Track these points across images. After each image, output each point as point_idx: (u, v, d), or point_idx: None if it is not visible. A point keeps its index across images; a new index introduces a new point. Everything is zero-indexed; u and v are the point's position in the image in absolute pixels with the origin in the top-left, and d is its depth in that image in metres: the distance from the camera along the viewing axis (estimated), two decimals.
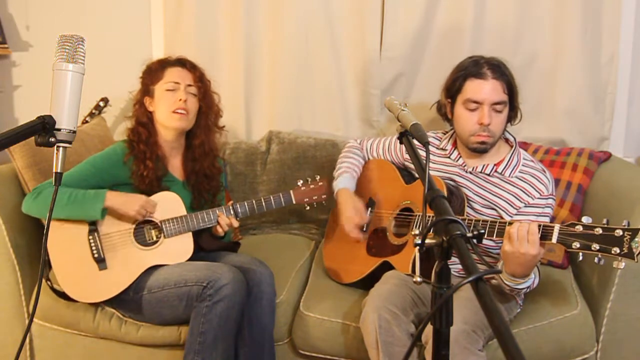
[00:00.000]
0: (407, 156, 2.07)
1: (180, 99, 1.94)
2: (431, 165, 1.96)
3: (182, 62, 2.01)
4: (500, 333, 0.74)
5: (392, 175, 2.07)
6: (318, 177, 2.07)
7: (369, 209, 2.09)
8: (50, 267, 1.95)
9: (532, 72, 2.50)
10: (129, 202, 1.88)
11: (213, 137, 2.07)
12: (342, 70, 2.66)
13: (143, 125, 1.98)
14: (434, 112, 2.00)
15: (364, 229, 2.03)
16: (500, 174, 1.86)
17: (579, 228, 1.46)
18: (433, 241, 0.95)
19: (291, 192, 2.04)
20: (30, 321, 1.30)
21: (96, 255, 1.88)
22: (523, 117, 2.48)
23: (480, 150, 1.84)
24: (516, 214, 1.82)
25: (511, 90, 1.81)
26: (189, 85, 1.98)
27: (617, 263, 1.40)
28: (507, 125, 1.88)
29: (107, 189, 1.93)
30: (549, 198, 1.82)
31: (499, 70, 1.79)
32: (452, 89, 1.85)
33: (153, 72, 1.99)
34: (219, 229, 1.96)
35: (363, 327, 1.71)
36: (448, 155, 1.95)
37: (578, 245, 1.45)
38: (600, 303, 1.85)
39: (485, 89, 1.77)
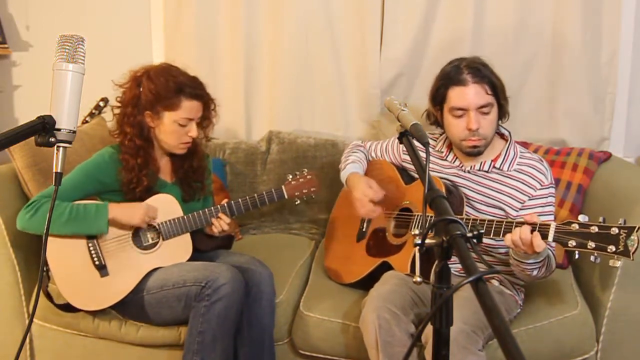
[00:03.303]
0: (405, 157, 2.08)
1: (191, 135, 1.90)
2: (430, 166, 1.96)
3: (199, 96, 1.89)
4: (500, 333, 0.74)
5: (392, 176, 2.07)
6: (306, 171, 2.07)
7: None
8: (49, 277, 1.94)
9: (532, 72, 2.50)
10: (132, 212, 1.86)
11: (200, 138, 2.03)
12: (342, 70, 2.66)
13: (143, 138, 1.90)
14: None
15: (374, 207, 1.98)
16: (499, 169, 1.86)
17: (575, 226, 1.46)
18: (433, 241, 0.95)
19: (283, 187, 2.03)
20: (30, 321, 1.30)
21: (97, 263, 1.87)
22: (523, 117, 2.51)
23: (474, 153, 1.85)
24: (521, 209, 1.82)
25: (495, 90, 1.80)
26: (198, 117, 1.92)
27: (613, 261, 1.40)
28: (499, 123, 1.88)
29: (96, 196, 1.92)
30: (550, 187, 1.83)
31: (479, 73, 1.78)
32: (437, 98, 1.86)
33: (166, 97, 1.84)
34: (214, 229, 1.95)
35: (363, 327, 1.71)
36: (444, 157, 1.95)
37: (574, 244, 1.45)
38: (600, 303, 1.85)
39: (467, 95, 1.77)
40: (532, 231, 1.53)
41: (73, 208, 1.82)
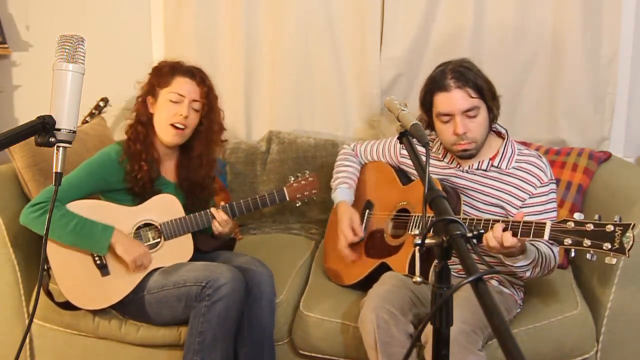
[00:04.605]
0: (402, 159, 2.08)
1: (181, 114, 1.90)
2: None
3: (192, 74, 1.94)
4: (500, 333, 0.74)
5: (389, 177, 2.07)
6: (307, 173, 2.09)
7: (367, 211, 2.09)
8: (49, 275, 1.94)
9: (532, 72, 2.50)
10: (131, 248, 1.86)
11: (212, 151, 2.03)
12: (342, 70, 2.66)
13: (142, 124, 1.94)
14: None
15: (362, 238, 2.04)
16: (497, 167, 1.86)
17: (571, 224, 1.46)
18: (433, 241, 0.95)
19: (284, 189, 2.04)
20: (30, 321, 1.30)
21: (98, 262, 1.87)
22: (523, 117, 2.51)
23: (465, 157, 1.86)
24: (522, 206, 1.82)
25: (480, 92, 1.79)
26: (194, 101, 1.93)
27: (609, 259, 1.40)
28: (491, 123, 1.87)
29: (99, 194, 1.93)
30: (550, 183, 1.83)
31: (462, 77, 1.78)
32: (425, 104, 1.88)
33: (162, 75, 1.93)
34: (219, 227, 1.95)
35: (361, 327, 1.71)
36: (442, 159, 1.96)
37: (570, 242, 1.45)
38: (600, 303, 1.85)
39: (451, 100, 1.78)
40: (504, 229, 1.54)
41: (80, 221, 1.82)
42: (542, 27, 2.46)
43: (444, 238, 0.93)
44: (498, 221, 1.61)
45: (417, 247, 0.97)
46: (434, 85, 1.82)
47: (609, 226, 1.40)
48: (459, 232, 0.91)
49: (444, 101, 1.80)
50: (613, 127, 2.50)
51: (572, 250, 1.46)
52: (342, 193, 2.12)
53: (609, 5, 2.38)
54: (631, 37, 2.46)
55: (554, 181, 1.86)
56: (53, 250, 1.87)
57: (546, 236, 1.50)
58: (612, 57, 2.42)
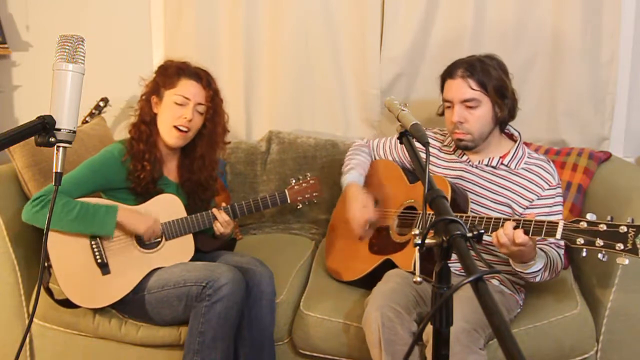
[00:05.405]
0: None
1: (185, 117, 1.90)
2: (438, 162, 1.99)
3: (198, 76, 1.94)
4: (500, 333, 0.74)
5: (396, 175, 2.07)
6: (309, 175, 2.10)
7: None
8: (50, 273, 1.94)
9: (532, 72, 2.50)
10: (140, 220, 1.87)
11: (215, 153, 2.03)
12: (342, 70, 2.66)
13: (146, 123, 1.94)
14: (434, 110, 2.03)
15: (367, 227, 2.03)
16: (507, 166, 1.88)
17: (583, 224, 1.47)
18: (433, 241, 0.95)
19: (286, 191, 2.05)
20: (30, 321, 1.30)
21: (99, 261, 1.87)
22: (523, 117, 2.49)
23: (461, 147, 1.90)
24: (529, 207, 1.83)
25: (485, 87, 1.81)
26: (199, 104, 1.93)
27: (621, 259, 1.41)
28: (499, 122, 1.88)
29: (100, 192, 1.93)
30: (557, 187, 1.86)
31: (471, 68, 1.82)
32: (441, 87, 1.93)
33: (167, 76, 1.93)
34: (220, 227, 1.95)
35: (366, 325, 1.71)
36: (452, 152, 1.97)
37: (582, 242, 1.46)
38: (600, 303, 1.85)
39: (452, 87, 1.85)
40: (515, 227, 1.55)
41: (83, 206, 1.82)
42: (542, 27, 2.46)
43: (444, 238, 0.93)
44: (509, 219, 1.62)
45: (417, 248, 0.97)
46: (447, 70, 1.89)
47: (622, 227, 1.41)
48: (459, 232, 0.91)
49: (448, 87, 1.87)
50: (613, 127, 2.50)
51: (584, 250, 1.46)
52: (352, 176, 2.10)
53: (609, 5, 2.38)
54: (631, 37, 2.46)
55: (561, 186, 1.88)
56: (55, 248, 1.87)
57: (558, 235, 1.51)
58: (612, 57, 2.42)
